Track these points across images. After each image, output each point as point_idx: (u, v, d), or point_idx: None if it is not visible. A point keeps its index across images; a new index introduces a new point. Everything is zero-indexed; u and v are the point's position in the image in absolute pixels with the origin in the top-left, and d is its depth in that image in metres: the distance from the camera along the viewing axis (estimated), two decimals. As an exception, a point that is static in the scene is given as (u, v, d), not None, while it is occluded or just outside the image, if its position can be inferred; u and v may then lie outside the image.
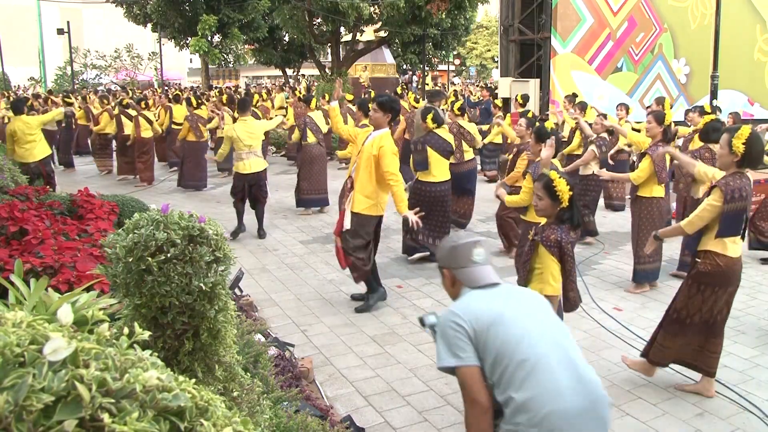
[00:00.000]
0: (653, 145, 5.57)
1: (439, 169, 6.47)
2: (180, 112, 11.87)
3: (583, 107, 8.84)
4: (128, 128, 11.25)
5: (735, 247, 3.75)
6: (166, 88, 27.33)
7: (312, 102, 9.31)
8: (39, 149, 8.37)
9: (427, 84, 23.86)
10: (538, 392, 2.01)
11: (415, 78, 30.21)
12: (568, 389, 2.02)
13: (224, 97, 12.63)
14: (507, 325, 2.12)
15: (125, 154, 11.58)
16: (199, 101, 12.39)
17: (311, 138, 8.82)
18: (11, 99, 11.63)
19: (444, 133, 6.63)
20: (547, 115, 10.65)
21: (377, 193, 5.13)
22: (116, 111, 11.67)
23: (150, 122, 11.15)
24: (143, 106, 11.36)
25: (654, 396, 3.92)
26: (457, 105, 7.91)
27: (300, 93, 15.79)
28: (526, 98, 10.05)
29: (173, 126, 12.01)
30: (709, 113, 7.20)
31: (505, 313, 2.15)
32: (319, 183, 8.86)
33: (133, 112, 11.39)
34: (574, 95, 10.23)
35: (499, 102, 11.77)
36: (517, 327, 2.12)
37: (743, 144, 3.62)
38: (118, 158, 11.87)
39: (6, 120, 14.04)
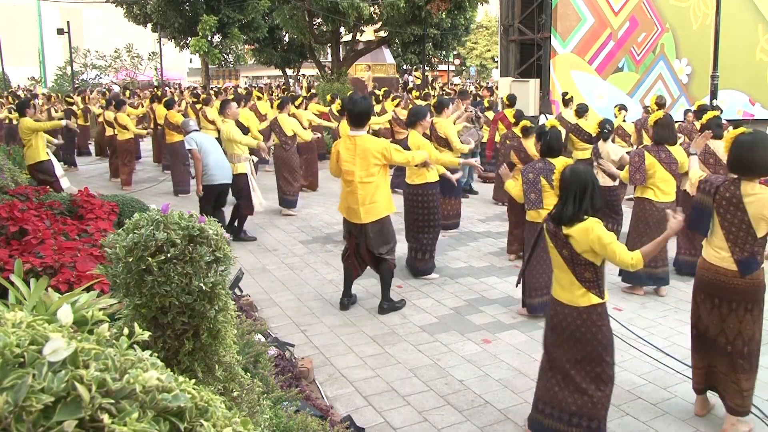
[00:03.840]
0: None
1: (408, 170, 6.11)
2: (162, 112, 11.86)
3: (583, 110, 8.81)
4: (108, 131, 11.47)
5: None
6: (167, 88, 27.32)
7: (287, 105, 9.31)
8: (30, 154, 8.37)
9: (434, 85, 23.87)
10: (210, 159, 7.00)
11: (411, 78, 30.18)
12: (217, 154, 7.12)
13: (202, 96, 12.65)
14: (204, 143, 7.05)
15: (112, 157, 11.74)
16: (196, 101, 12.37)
17: (276, 140, 8.83)
18: (10, 99, 11.59)
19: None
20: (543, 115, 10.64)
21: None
22: (99, 112, 11.73)
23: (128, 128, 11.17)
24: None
25: (654, 396, 3.92)
26: (432, 102, 7.88)
27: (277, 96, 15.75)
28: (512, 98, 9.80)
29: (158, 126, 12.14)
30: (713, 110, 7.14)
31: (203, 139, 7.10)
32: (283, 184, 8.90)
33: (113, 116, 11.46)
34: (565, 94, 10.27)
35: (487, 103, 11.74)
36: (208, 145, 7.07)
37: None
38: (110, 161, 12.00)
39: (7, 120, 14.09)
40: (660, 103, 8.58)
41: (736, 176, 3.41)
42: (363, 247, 5.22)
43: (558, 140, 5.04)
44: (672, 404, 3.83)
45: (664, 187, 5.50)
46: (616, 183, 6.95)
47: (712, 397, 3.70)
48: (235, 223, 7.65)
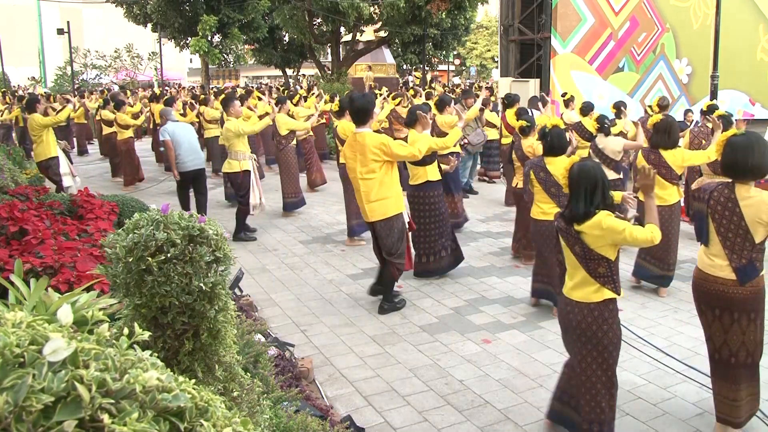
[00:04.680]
0: None
1: (411, 172, 6.14)
2: (159, 110, 11.88)
3: (588, 109, 8.78)
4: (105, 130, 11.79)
5: None
6: (167, 88, 27.32)
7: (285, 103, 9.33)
8: (40, 150, 8.41)
9: (434, 85, 23.86)
10: (181, 150, 7.58)
11: (411, 78, 30.18)
12: (189, 143, 7.69)
13: (201, 97, 12.72)
14: (177, 133, 7.64)
15: (113, 157, 11.90)
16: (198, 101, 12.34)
17: (273, 139, 8.88)
18: (8, 99, 11.61)
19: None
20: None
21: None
22: (94, 106, 11.82)
23: (129, 125, 11.21)
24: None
25: (654, 396, 3.91)
26: (433, 101, 7.89)
27: (277, 95, 15.76)
28: (510, 98, 9.50)
29: (157, 127, 12.21)
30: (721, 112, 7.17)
31: (176, 129, 7.68)
32: (284, 185, 8.89)
33: (111, 115, 11.49)
34: (564, 94, 10.27)
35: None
36: (180, 134, 7.65)
37: None
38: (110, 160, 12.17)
39: (6, 120, 14.10)
40: (662, 105, 8.55)
41: (729, 180, 3.30)
42: (376, 245, 5.28)
43: (560, 139, 5.02)
44: (672, 404, 3.82)
45: (656, 189, 5.50)
46: (620, 176, 6.96)
47: None
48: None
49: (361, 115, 5.10)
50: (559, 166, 4.80)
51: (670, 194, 5.50)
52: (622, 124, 8.49)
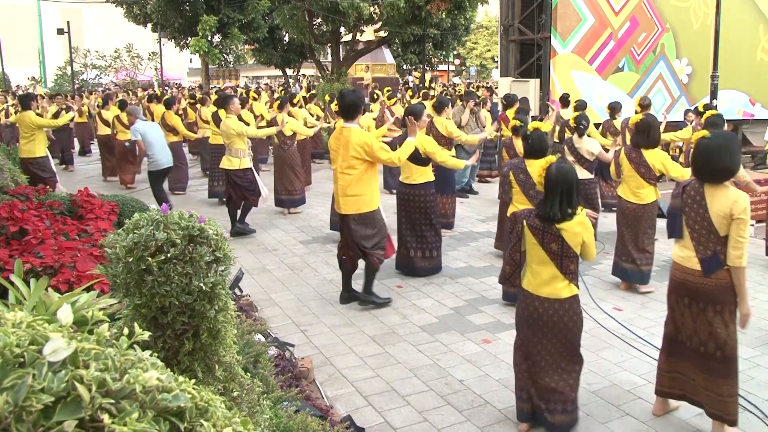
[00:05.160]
0: None
1: (408, 171, 6.11)
2: (159, 112, 11.89)
3: (582, 106, 8.78)
4: (102, 130, 11.88)
5: None
6: (166, 88, 27.33)
7: (286, 104, 9.36)
8: (29, 148, 8.43)
9: (433, 85, 23.88)
10: (155, 149, 7.91)
11: (411, 78, 30.17)
12: (160, 142, 8.04)
13: (199, 97, 12.64)
14: (148, 132, 7.90)
15: (108, 157, 11.94)
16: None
17: (276, 139, 8.91)
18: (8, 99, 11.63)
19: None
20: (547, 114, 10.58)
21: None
22: (95, 112, 11.87)
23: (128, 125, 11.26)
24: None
25: (654, 396, 3.91)
26: (431, 102, 7.86)
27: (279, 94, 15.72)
28: (509, 98, 9.45)
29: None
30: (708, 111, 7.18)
31: (147, 129, 7.94)
32: (287, 183, 8.92)
33: (110, 114, 11.51)
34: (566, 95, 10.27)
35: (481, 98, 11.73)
36: (151, 134, 7.94)
37: None
38: (103, 160, 12.22)
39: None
40: (643, 104, 8.52)
41: None
42: (349, 239, 5.25)
43: (540, 142, 5.03)
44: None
45: (634, 187, 5.56)
46: (592, 176, 7.00)
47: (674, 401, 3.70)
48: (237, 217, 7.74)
49: (350, 110, 5.12)
50: (538, 169, 4.80)
51: (646, 194, 5.57)
52: (619, 126, 8.49)
